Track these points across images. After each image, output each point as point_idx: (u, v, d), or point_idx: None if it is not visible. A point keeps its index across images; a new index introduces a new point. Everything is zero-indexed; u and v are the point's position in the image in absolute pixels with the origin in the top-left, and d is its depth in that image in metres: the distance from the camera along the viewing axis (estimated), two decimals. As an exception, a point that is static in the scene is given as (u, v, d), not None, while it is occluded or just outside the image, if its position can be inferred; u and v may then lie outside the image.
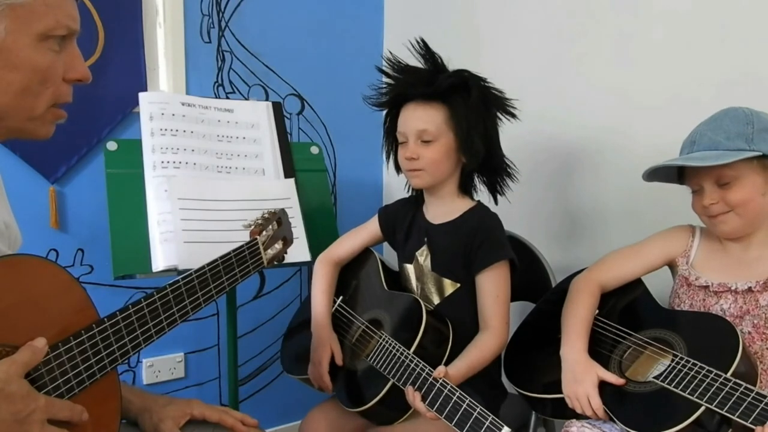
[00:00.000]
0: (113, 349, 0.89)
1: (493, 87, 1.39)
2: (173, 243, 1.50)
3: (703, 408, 1.01)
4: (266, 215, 1.30)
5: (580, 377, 1.18)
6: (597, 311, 1.29)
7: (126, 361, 0.93)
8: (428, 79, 1.36)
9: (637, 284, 1.32)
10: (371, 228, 1.55)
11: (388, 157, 1.49)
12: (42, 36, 0.84)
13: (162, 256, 1.49)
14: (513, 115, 1.40)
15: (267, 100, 2.11)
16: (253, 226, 1.24)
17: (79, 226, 1.83)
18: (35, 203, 1.75)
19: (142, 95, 1.65)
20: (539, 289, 1.51)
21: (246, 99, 2.07)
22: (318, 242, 1.62)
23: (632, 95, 1.64)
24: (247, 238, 1.21)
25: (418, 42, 1.39)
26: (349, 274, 1.56)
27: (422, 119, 1.35)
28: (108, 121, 1.84)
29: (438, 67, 1.39)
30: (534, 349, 1.38)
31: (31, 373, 0.80)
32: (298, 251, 1.63)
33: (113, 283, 1.64)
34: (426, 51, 1.39)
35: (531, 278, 1.52)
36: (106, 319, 0.89)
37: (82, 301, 0.88)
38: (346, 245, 1.56)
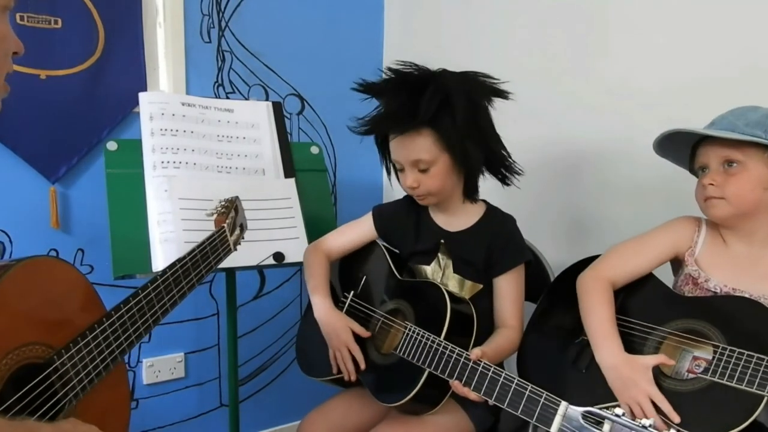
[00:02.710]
0: (121, 340, 0.94)
1: (475, 77, 1.34)
2: (173, 243, 1.50)
3: (766, 399, 0.99)
4: (225, 203, 1.32)
5: (632, 379, 1.10)
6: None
7: (132, 347, 0.97)
8: (409, 109, 1.29)
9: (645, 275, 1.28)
10: (365, 227, 1.52)
11: (388, 172, 1.46)
12: (3, 8, 0.87)
13: (162, 256, 1.49)
14: (505, 96, 1.34)
15: (267, 100, 2.11)
16: (216, 215, 1.28)
17: (79, 226, 1.83)
18: (36, 203, 1.75)
19: (142, 95, 1.65)
20: (539, 289, 1.51)
21: (246, 99, 2.07)
22: (318, 242, 1.62)
23: (635, 95, 1.64)
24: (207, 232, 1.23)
25: (386, 71, 1.35)
26: (355, 269, 1.53)
27: (413, 150, 1.32)
28: (108, 121, 1.83)
29: (414, 85, 1.30)
30: (545, 359, 1.33)
31: (59, 368, 0.84)
32: (298, 251, 1.63)
33: (113, 283, 1.65)
34: (397, 77, 1.33)
35: (531, 278, 1.51)
36: (113, 312, 0.93)
37: (91, 296, 0.94)
38: (340, 241, 1.53)
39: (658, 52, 1.59)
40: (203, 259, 1.15)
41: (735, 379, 1.03)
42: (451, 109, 1.28)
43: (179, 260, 1.08)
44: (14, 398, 0.78)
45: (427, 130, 1.30)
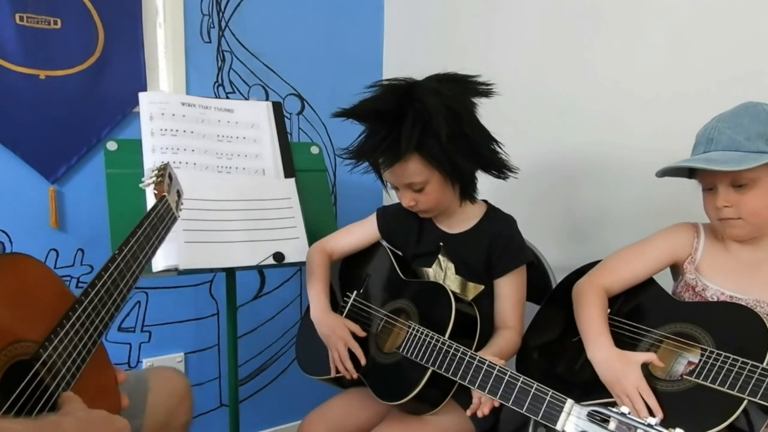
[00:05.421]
0: (96, 322, 0.96)
1: (454, 83, 1.31)
2: (173, 243, 1.50)
3: (745, 402, 1.00)
4: (158, 172, 1.32)
5: (623, 372, 1.12)
6: (608, 310, 1.26)
7: (108, 329, 0.99)
8: (392, 142, 1.27)
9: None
10: (369, 228, 1.53)
11: (385, 186, 1.46)
12: None
13: (162, 256, 1.49)
14: (488, 94, 1.31)
15: (267, 100, 2.11)
16: (153, 185, 1.28)
17: (79, 226, 1.83)
18: (35, 203, 1.75)
19: (142, 95, 1.65)
20: (539, 289, 1.51)
21: (246, 99, 2.07)
22: (318, 242, 1.62)
23: (635, 97, 1.63)
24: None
25: (361, 111, 1.33)
26: (359, 268, 1.53)
27: (403, 176, 1.32)
28: (108, 121, 1.83)
29: (392, 114, 1.28)
30: (542, 360, 1.35)
31: (47, 361, 0.84)
32: (298, 251, 1.63)
33: (113, 283, 1.66)
34: (374, 105, 1.31)
35: (531, 278, 1.52)
36: (83, 298, 0.95)
37: (60, 288, 0.94)
38: (343, 241, 1.54)
39: (658, 52, 1.58)
40: (153, 231, 1.17)
41: (718, 381, 1.04)
42: (433, 131, 1.26)
43: (131, 235, 1.10)
44: (11, 399, 0.78)
45: (414, 155, 1.29)
